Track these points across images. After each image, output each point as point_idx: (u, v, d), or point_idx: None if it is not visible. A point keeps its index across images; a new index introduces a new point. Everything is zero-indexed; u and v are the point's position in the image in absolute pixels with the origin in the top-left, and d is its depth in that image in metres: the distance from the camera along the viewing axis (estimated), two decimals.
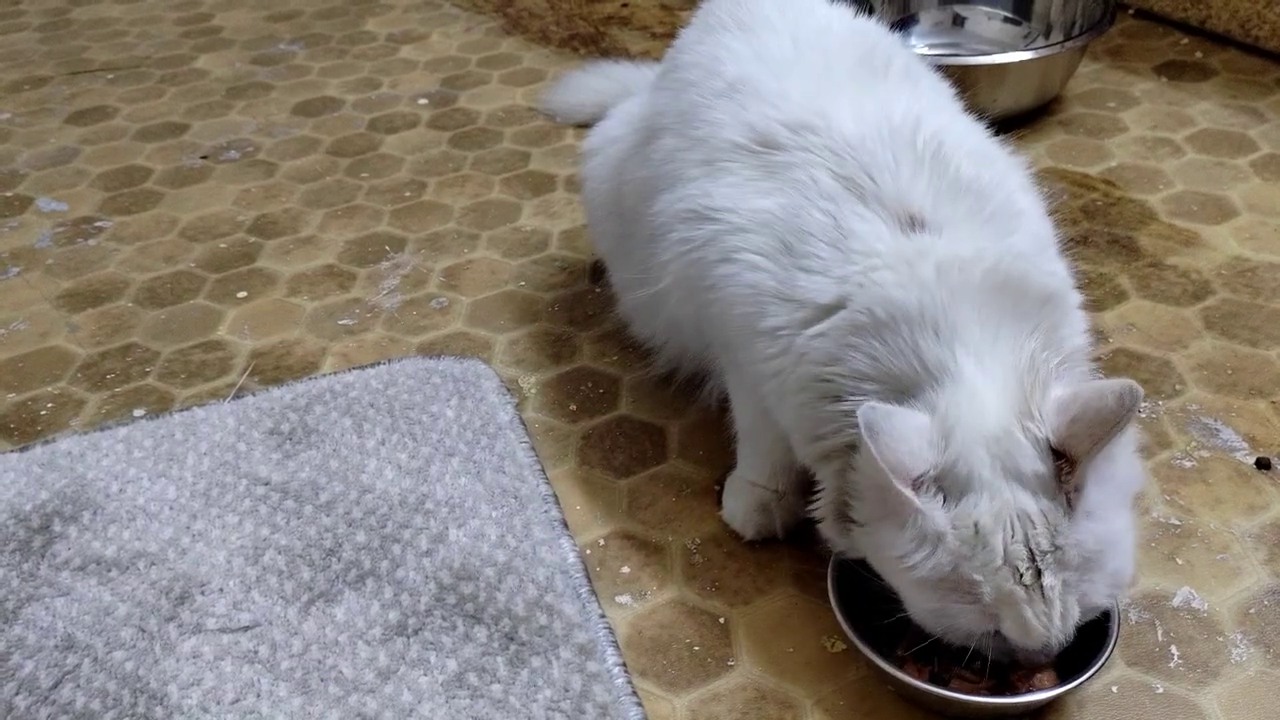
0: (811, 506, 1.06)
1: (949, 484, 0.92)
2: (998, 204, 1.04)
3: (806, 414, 1.03)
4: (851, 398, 0.98)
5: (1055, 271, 1.06)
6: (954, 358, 0.95)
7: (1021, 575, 0.90)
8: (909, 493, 0.91)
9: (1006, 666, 0.98)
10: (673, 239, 1.14)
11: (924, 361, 0.96)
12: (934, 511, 0.91)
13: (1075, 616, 0.93)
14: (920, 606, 0.96)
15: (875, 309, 0.98)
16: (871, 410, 0.91)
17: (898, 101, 1.11)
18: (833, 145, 1.07)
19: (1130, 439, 0.98)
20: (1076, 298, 1.07)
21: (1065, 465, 0.91)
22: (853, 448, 0.97)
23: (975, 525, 0.91)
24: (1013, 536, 0.90)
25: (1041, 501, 0.91)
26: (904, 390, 0.97)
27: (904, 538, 0.93)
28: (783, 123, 1.10)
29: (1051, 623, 0.91)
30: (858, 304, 0.99)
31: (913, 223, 1.01)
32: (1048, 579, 0.90)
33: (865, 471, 0.95)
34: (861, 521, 0.98)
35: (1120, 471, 0.95)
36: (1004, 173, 1.10)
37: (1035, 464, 0.91)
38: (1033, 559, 0.90)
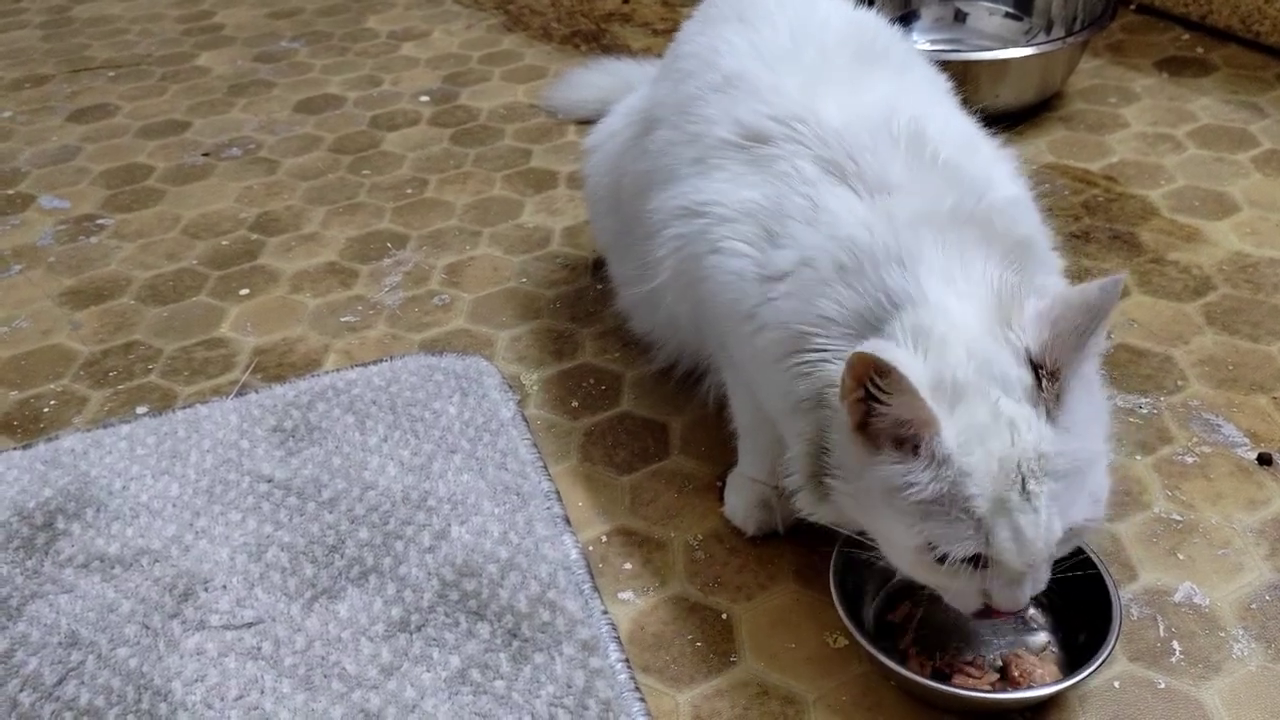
0: (787, 478, 1.04)
1: (939, 396, 0.89)
2: (972, 178, 1.04)
3: (785, 377, 1.01)
4: (818, 340, 0.96)
5: (1035, 224, 1.05)
6: (918, 283, 0.94)
7: (1015, 482, 0.88)
8: (933, 404, 0.87)
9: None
10: (667, 235, 1.14)
11: (889, 293, 0.94)
12: (948, 424, 0.88)
13: (1058, 532, 0.90)
14: (906, 543, 0.93)
15: (839, 255, 0.97)
16: (875, 345, 0.87)
17: (882, 92, 1.12)
18: (820, 135, 1.07)
19: (1096, 379, 0.97)
20: (1056, 261, 1.06)
21: (1046, 375, 0.89)
22: (824, 402, 0.96)
23: (977, 430, 0.88)
24: (1006, 443, 0.88)
25: (1025, 408, 0.89)
26: (871, 328, 0.94)
27: (916, 463, 0.90)
28: (771, 118, 1.10)
29: (1040, 533, 0.89)
30: (819, 261, 0.99)
31: (887, 191, 1.02)
32: (1033, 485, 0.88)
33: (894, 399, 0.89)
34: (844, 472, 0.96)
35: (1096, 398, 0.95)
36: (989, 160, 1.10)
37: (1017, 370, 0.90)
38: (1020, 466, 0.88)
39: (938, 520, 0.90)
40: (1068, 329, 0.89)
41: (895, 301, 0.94)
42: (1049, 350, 0.89)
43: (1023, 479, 0.88)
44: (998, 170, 1.10)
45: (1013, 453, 0.88)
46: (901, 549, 0.95)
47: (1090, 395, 0.94)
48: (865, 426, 0.91)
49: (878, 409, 0.89)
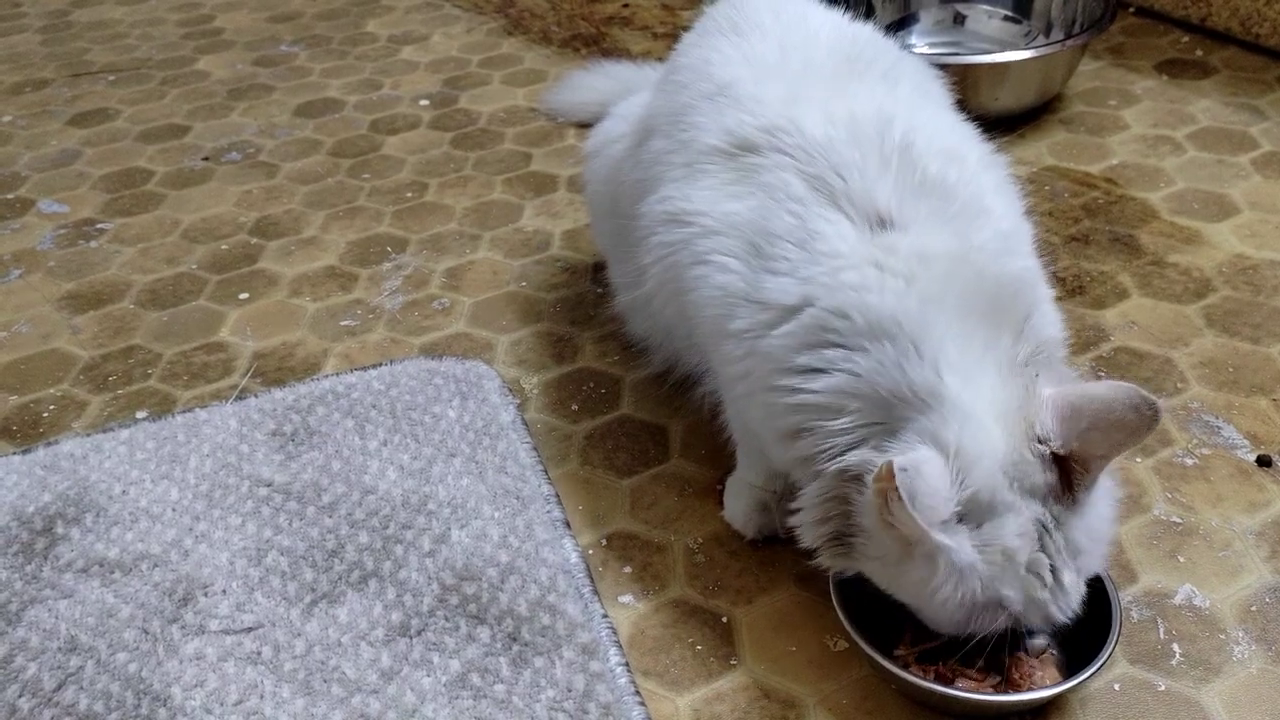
0: (794, 522, 1.03)
1: (971, 510, 0.92)
2: (963, 203, 1.03)
3: (775, 415, 1.02)
4: (838, 419, 0.97)
5: (1023, 265, 1.05)
6: (941, 380, 0.93)
7: (1046, 581, 0.92)
8: (943, 538, 0.90)
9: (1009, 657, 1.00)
10: (654, 242, 1.14)
11: (911, 386, 0.94)
12: (964, 545, 0.91)
13: (1083, 593, 0.96)
14: (944, 621, 0.97)
15: (849, 313, 0.97)
16: (905, 474, 0.87)
17: (869, 102, 1.11)
18: (804, 146, 1.07)
19: None
20: (1048, 291, 1.07)
21: (1076, 468, 0.92)
22: (845, 474, 0.96)
23: (1003, 549, 0.91)
24: (1034, 548, 0.92)
25: (1051, 506, 0.92)
26: (889, 411, 0.95)
27: (935, 573, 0.92)
28: (757, 127, 1.10)
29: (1070, 607, 0.95)
30: (824, 304, 0.98)
31: (881, 222, 1.01)
32: (1068, 577, 0.93)
33: (881, 518, 0.92)
34: (874, 557, 0.97)
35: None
36: (976, 172, 1.09)
37: (1045, 476, 0.92)
38: (1051, 561, 0.92)
39: (974, 611, 0.94)
40: (1100, 439, 0.91)
41: (922, 399, 0.93)
42: (1080, 451, 0.92)
43: (1054, 570, 0.93)
44: (985, 181, 1.09)
45: (1041, 557, 0.92)
46: (938, 622, 0.98)
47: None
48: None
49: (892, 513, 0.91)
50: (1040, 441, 0.92)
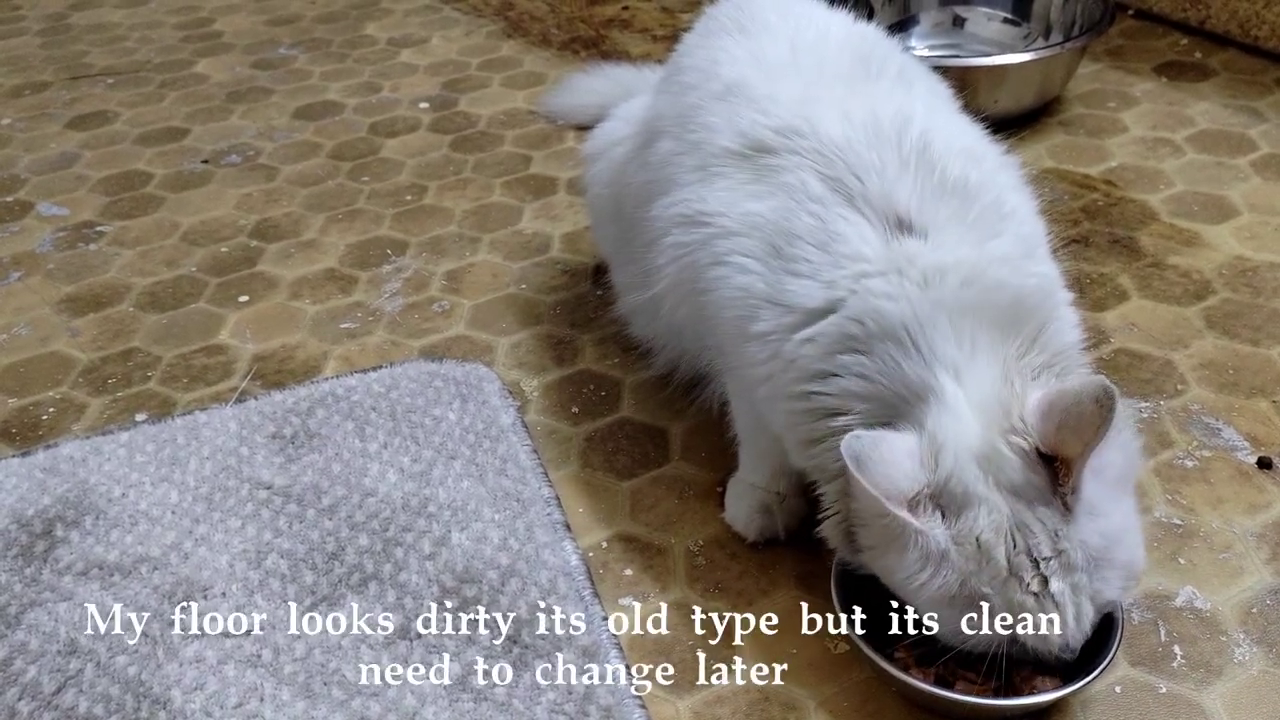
0: (820, 528, 1.05)
1: (946, 501, 0.93)
2: (984, 205, 1.03)
3: (798, 421, 1.03)
4: (845, 418, 0.98)
5: (1042, 273, 1.05)
6: (935, 376, 0.95)
7: (1028, 585, 0.91)
8: (905, 514, 0.91)
9: (1015, 667, 0.98)
10: (667, 243, 1.14)
11: (908, 382, 0.96)
12: (934, 529, 0.92)
13: (1090, 615, 0.93)
14: (941, 625, 0.96)
15: (865, 319, 0.98)
16: (856, 439, 0.91)
17: (887, 103, 1.11)
18: (820, 148, 1.07)
19: (1122, 425, 0.96)
20: (1066, 296, 1.07)
21: (1061, 467, 0.91)
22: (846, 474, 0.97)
23: (977, 540, 0.91)
24: (1015, 548, 0.91)
25: (1038, 510, 0.91)
26: (894, 410, 0.97)
27: (909, 559, 0.93)
28: (772, 128, 1.10)
29: (1066, 626, 0.92)
30: (849, 311, 0.99)
31: (900, 225, 1.01)
32: (1055, 585, 0.91)
33: (861, 500, 0.95)
34: (867, 547, 0.98)
35: (1116, 460, 0.95)
36: (993, 172, 1.09)
37: (1026, 474, 0.91)
38: (1037, 567, 0.91)
39: (964, 611, 0.93)
40: (1072, 435, 0.90)
41: (918, 394, 0.96)
42: (1058, 448, 0.91)
43: (1043, 579, 0.91)
44: (1003, 181, 1.09)
45: (1025, 560, 0.91)
46: (941, 628, 0.96)
47: (1109, 462, 0.94)
48: None
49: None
50: (1016, 435, 0.92)
